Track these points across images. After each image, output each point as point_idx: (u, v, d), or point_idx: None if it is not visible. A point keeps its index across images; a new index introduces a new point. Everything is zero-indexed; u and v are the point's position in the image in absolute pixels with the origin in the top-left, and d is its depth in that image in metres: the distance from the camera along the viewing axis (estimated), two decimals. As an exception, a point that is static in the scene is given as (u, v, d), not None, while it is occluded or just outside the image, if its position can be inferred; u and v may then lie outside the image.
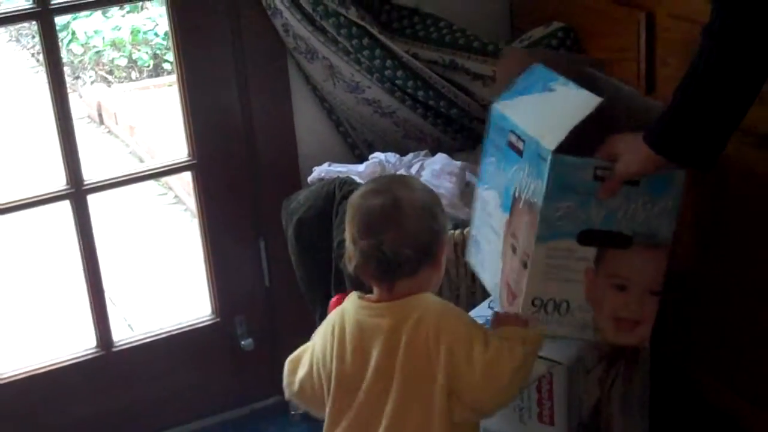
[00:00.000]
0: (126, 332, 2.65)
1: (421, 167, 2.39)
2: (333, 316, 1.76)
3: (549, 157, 1.74)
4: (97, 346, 2.56)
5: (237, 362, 2.66)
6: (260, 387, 2.68)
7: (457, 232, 2.23)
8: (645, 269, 1.84)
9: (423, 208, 1.71)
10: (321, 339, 1.75)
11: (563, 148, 1.75)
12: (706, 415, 2.31)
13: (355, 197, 1.73)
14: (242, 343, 2.63)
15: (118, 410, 2.57)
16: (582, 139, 1.76)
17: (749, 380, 2.19)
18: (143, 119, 5.08)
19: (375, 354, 1.68)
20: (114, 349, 2.56)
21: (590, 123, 1.77)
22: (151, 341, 2.60)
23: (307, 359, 1.77)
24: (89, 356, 2.56)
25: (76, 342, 2.69)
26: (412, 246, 1.68)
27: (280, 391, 2.61)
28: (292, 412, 2.65)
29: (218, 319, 2.64)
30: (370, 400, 1.69)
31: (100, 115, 5.42)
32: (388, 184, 1.75)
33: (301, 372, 1.77)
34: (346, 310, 1.74)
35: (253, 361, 2.64)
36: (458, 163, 2.37)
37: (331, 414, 1.72)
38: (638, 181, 1.77)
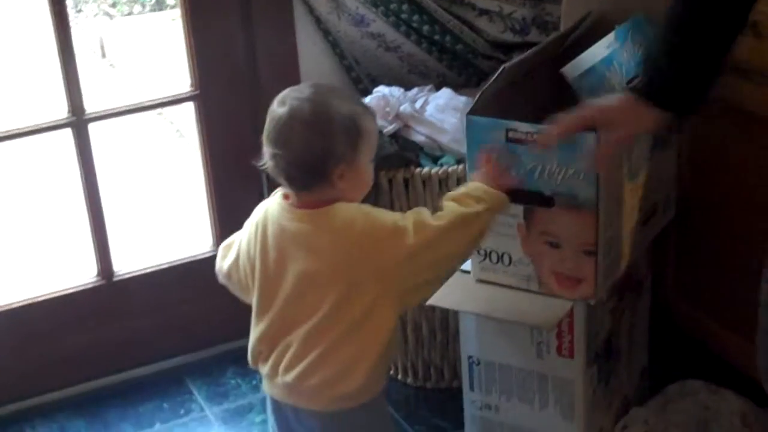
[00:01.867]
0: (127, 263, 2.64)
1: (426, 102, 2.38)
2: (258, 213, 1.77)
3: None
4: (97, 276, 2.57)
5: (237, 294, 2.66)
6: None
7: (461, 166, 2.23)
8: (573, 229, 1.87)
9: (313, 125, 1.65)
10: (246, 234, 1.77)
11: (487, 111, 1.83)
12: (682, 341, 2.34)
13: (275, 99, 1.71)
14: (243, 275, 2.63)
15: (118, 341, 2.58)
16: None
17: (722, 305, 2.21)
18: (146, 53, 5.05)
19: (294, 260, 1.69)
20: (115, 280, 2.57)
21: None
22: (152, 272, 2.60)
23: (235, 249, 1.80)
24: (90, 286, 2.56)
25: (77, 272, 2.70)
26: (298, 166, 1.67)
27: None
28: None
29: (219, 251, 2.64)
30: (288, 303, 1.71)
31: (102, 49, 5.39)
32: (304, 92, 1.69)
33: (229, 260, 1.82)
34: (270, 210, 1.74)
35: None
36: (463, 98, 2.36)
37: (255, 310, 1.77)
38: None
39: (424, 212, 1.70)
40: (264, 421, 2.42)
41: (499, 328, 2.01)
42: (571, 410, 2.03)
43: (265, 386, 1.80)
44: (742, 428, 2.17)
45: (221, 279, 1.87)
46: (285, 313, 1.72)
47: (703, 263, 2.29)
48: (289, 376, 1.72)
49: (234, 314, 2.66)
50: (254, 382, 2.55)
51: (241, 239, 1.79)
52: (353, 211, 1.68)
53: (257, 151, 2.55)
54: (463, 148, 2.23)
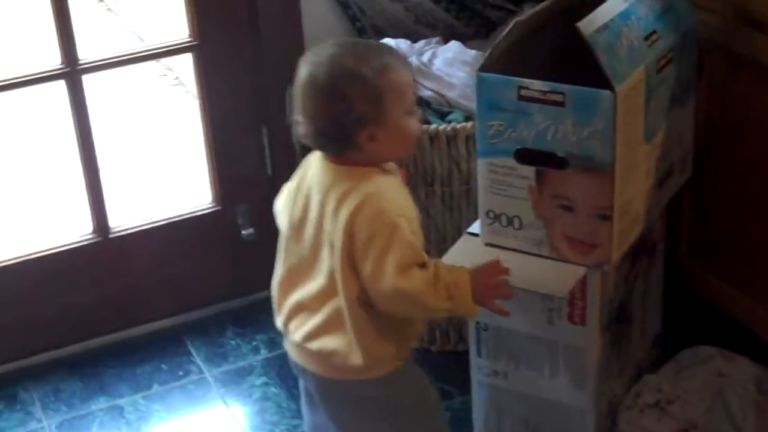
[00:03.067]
0: (124, 219, 2.57)
1: (433, 55, 2.29)
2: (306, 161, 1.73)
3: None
4: (93, 232, 2.49)
5: (237, 252, 2.59)
6: (260, 278, 2.59)
7: (470, 124, 2.15)
8: (587, 192, 1.79)
9: (329, 91, 1.59)
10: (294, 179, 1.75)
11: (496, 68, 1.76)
12: (695, 307, 2.28)
13: (303, 59, 1.65)
14: (243, 232, 2.56)
15: (115, 298, 2.52)
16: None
17: (738, 269, 2.15)
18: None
19: (312, 208, 1.66)
20: (111, 236, 2.49)
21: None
22: (149, 228, 2.53)
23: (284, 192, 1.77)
24: (86, 242, 2.48)
25: (72, 228, 2.62)
26: (323, 135, 1.62)
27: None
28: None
29: (219, 208, 2.56)
30: (304, 251, 1.69)
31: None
32: (321, 55, 1.62)
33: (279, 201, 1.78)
34: (311, 156, 1.71)
35: (254, 251, 2.57)
36: (472, 52, 2.27)
37: (279, 253, 1.74)
38: (563, 101, 1.73)
39: (411, 258, 1.61)
40: (265, 384, 2.37)
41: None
42: (582, 378, 1.96)
43: (284, 342, 1.78)
44: (757, 395, 2.11)
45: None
46: (301, 261, 1.68)
47: (719, 226, 2.21)
48: (297, 335, 1.69)
49: (233, 272, 2.62)
50: (254, 343, 2.49)
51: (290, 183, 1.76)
52: (372, 197, 1.61)
53: (258, 104, 2.49)
54: (472, 104, 2.14)
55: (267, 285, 2.60)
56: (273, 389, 2.36)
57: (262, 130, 2.52)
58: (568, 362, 1.96)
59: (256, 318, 2.54)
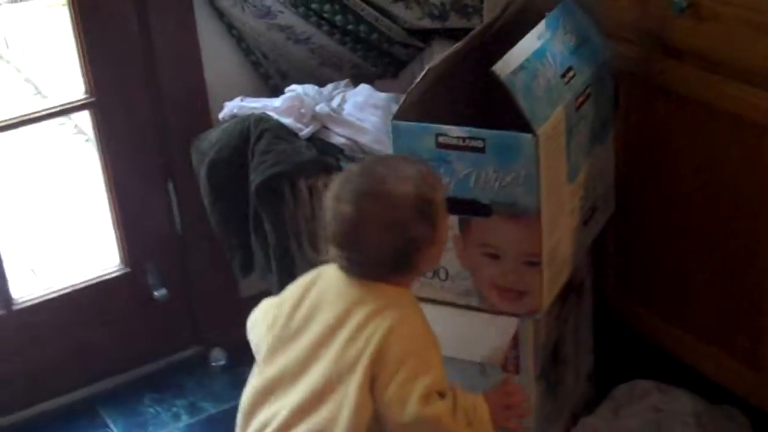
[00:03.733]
0: (28, 288, 2.43)
1: (343, 99, 2.21)
2: (308, 276, 1.65)
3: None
4: (-5, 305, 2.35)
5: (150, 314, 2.48)
6: (176, 338, 2.52)
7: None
8: (514, 239, 1.74)
9: (386, 222, 1.54)
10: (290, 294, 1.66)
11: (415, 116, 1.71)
12: (626, 341, 2.25)
13: (329, 193, 1.58)
14: (155, 293, 2.44)
15: (24, 372, 2.38)
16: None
17: (674, 305, 2.12)
18: (36, 43, 4.77)
19: (320, 319, 1.58)
20: (15, 308, 2.35)
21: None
22: (55, 296, 2.40)
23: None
24: (-13, 317, 2.35)
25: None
26: (376, 263, 1.56)
27: (198, 342, 2.49)
28: (213, 364, 2.50)
29: (128, 269, 2.45)
30: (299, 359, 1.58)
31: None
32: (363, 183, 1.56)
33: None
34: (325, 270, 1.63)
35: (168, 311, 2.47)
36: (383, 95, 2.19)
37: (263, 357, 1.63)
38: (483, 147, 1.67)
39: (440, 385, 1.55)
40: (187, 452, 2.26)
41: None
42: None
43: None
44: (697, 428, 2.07)
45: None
46: (283, 375, 1.58)
47: (644, 258, 2.17)
48: None
49: (147, 335, 2.50)
50: (174, 409, 2.38)
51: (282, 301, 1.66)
52: (410, 318, 1.56)
53: (162, 159, 2.38)
54: (386, 149, 2.08)
55: (184, 345, 2.53)
56: (197, 458, 2.26)
57: (168, 186, 2.41)
58: (505, 413, 1.89)
59: (174, 382, 2.44)
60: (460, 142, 1.69)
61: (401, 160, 1.64)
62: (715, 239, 1.97)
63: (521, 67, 1.72)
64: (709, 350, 2.06)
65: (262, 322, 1.66)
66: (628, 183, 2.10)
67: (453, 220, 1.73)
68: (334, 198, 1.57)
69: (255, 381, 1.62)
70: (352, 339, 1.53)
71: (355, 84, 2.29)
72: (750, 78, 1.80)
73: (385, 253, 1.55)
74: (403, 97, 1.74)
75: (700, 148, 1.95)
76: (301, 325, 1.59)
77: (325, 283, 1.61)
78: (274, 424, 1.55)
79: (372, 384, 1.52)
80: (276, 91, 2.32)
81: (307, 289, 1.62)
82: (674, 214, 2.06)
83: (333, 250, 1.58)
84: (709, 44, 1.85)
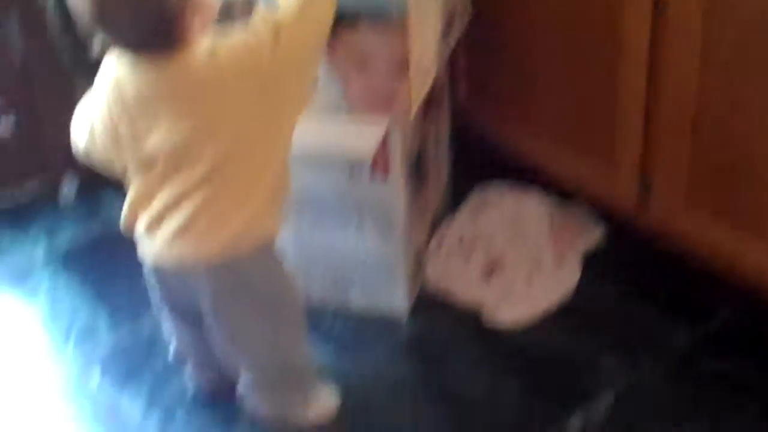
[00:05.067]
0: None
1: None
2: (105, 84, 1.57)
3: None
4: None
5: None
6: (23, 173, 2.46)
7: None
8: (381, 47, 1.75)
9: None
10: (99, 111, 1.59)
11: None
12: (480, 151, 2.31)
13: None
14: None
15: None
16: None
17: (525, 110, 2.17)
18: None
19: (166, 116, 1.52)
20: None
21: None
22: None
23: (89, 130, 1.61)
24: None
25: None
26: (151, 33, 1.46)
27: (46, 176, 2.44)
28: (62, 199, 2.47)
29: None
30: (169, 156, 1.53)
31: None
32: None
33: (85, 141, 1.63)
34: (120, 74, 1.54)
35: (13, 144, 2.39)
36: None
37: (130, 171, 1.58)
38: None
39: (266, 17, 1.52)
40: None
41: (307, 159, 1.89)
42: (390, 231, 1.96)
43: (146, 252, 1.62)
44: (550, 224, 2.17)
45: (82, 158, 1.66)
46: (167, 165, 1.53)
47: (496, 65, 2.22)
48: (174, 222, 1.54)
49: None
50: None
51: (94, 118, 1.58)
52: (210, 51, 1.49)
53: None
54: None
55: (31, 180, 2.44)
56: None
57: (10, 13, 2.31)
58: (374, 216, 1.96)
59: (26, 216, 2.41)
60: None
61: None
62: (571, 32, 2.02)
63: None
64: (562, 151, 2.14)
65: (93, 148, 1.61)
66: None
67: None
68: None
69: (131, 193, 1.59)
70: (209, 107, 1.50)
71: None
72: None
73: (154, 20, 1.44)
74: None
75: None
76: (148, 130, 1.53)
77: (131, 85, 1.52)
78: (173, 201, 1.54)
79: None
80: None
81: (121, 99, 1.54)
82: (527, 19, 2.10)
83: (98, 38, 1.51)
84: None
